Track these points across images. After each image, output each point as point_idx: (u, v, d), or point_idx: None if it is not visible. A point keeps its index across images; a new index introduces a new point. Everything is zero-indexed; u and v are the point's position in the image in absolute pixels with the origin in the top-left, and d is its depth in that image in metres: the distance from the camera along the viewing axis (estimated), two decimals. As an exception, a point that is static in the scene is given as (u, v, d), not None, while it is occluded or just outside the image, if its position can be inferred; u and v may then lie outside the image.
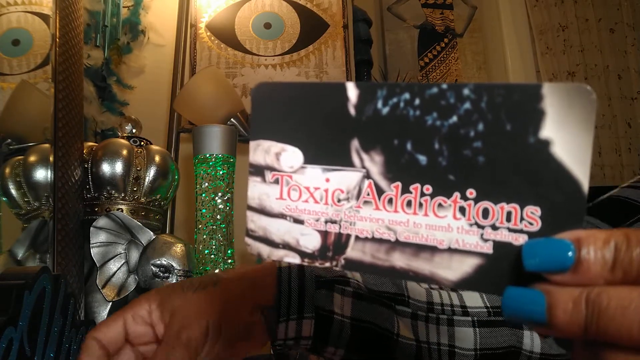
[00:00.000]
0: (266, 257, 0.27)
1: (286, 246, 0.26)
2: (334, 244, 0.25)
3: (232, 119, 1.09)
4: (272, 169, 0.25)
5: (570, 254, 0.20)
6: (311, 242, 0.25)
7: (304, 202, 0.25)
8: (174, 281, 0.81)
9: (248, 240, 0.27)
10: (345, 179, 0.24)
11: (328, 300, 0.45)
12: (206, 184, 0.95)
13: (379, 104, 0.22)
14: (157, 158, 0.93)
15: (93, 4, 1.47)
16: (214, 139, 0.97)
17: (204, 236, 0.94)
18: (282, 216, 0.26)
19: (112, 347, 0.42)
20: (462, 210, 0.21)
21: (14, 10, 1.00)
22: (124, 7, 1.58)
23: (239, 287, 0.45)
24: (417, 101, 0.21)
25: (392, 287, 0.48)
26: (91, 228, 0.83)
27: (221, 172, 0.96)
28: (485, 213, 0.21)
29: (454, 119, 0.21)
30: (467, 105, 0.21)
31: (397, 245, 0.23)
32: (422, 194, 0.22)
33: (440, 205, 0.22)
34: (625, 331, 0.19)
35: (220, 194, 0.95)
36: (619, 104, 2.55)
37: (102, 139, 1.39)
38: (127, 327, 0.43)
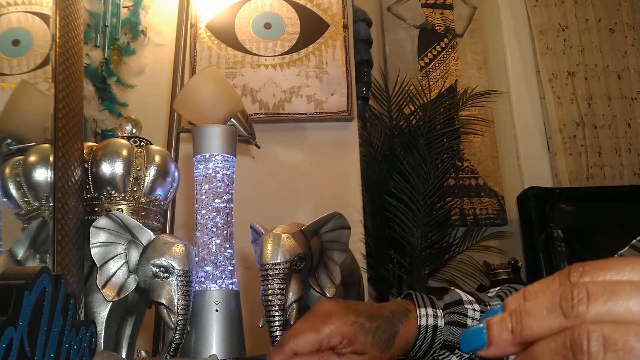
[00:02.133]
0: None
1: None
2: None
3: (232, 119, 1.09)
4: None
5: (482, 336, 0.30)
6: None
7: None
8: (174, 281, 0.81)
9: None
10: None
11: (446, 358, 0.66)
12: (206, 185, 0.95)
13: None
14: (157, 158, 0.93)
15: (93, 4, 1.47)
16: (214, 139, 0.97)
17: (204, 237, 0.94)
18: None
19: (302, 352, 0.60)
20: None
21: (14, 10, 1.00)
22: (124, 7, 1.58)
23: (399, 348, 0.64)
24: None
25: None
26: (91, 228, 0.83)
27: (221, 173, 0.96)
28: None
29: None
30: None
31: None
32: None
33: None
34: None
35: (220, 194, 0.95)
36: (619, 104, 2.55)
37: (102, 139, 1.39)
38: (317, 343, 0.60)
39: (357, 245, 1.56)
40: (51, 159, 0.81)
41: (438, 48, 2.60)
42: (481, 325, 0.30)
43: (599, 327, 0.24)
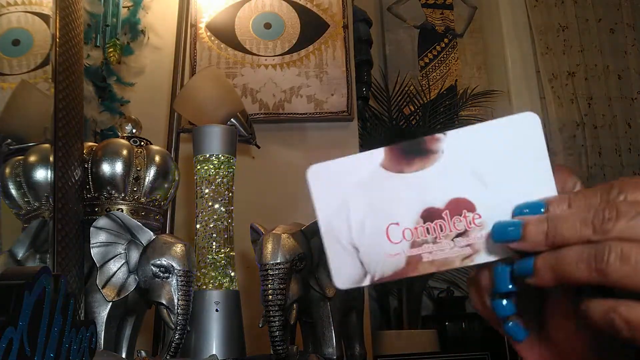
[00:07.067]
0: None
1: None
2: None
3: (232, 119, 1.09)
4: None
5: (517, 231, 0.33)
6: None
7: None
8: (174, 281, 0.81)
9: None
10: None
11: None
12: (206, 184, 0.95)
13: None
14: (157, 158, 0.93)
15: (93, 4, 1.47)
16: (214, 139, 0.97)
17: (204, 236, 0.94)
18: None
19: None
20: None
21: (14, 10, 1.00)
22: (124, 7, 1.57)
23: None
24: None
25: None
26: (91, 228, 0.83)
27: (221, 172, 0.96)
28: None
29: None
30: None
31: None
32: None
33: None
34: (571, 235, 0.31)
35: (220, 194, 0.95)
36: (619, 104, 2.55)
37: (102, 139, 1.39)
38: None
39: (357, 245, 1.56)
40: (51, 159, 0.81)
41: (438, 48, 2.60)
42: (517, 220, 0.34)
43: (619, 244, 0.30)
